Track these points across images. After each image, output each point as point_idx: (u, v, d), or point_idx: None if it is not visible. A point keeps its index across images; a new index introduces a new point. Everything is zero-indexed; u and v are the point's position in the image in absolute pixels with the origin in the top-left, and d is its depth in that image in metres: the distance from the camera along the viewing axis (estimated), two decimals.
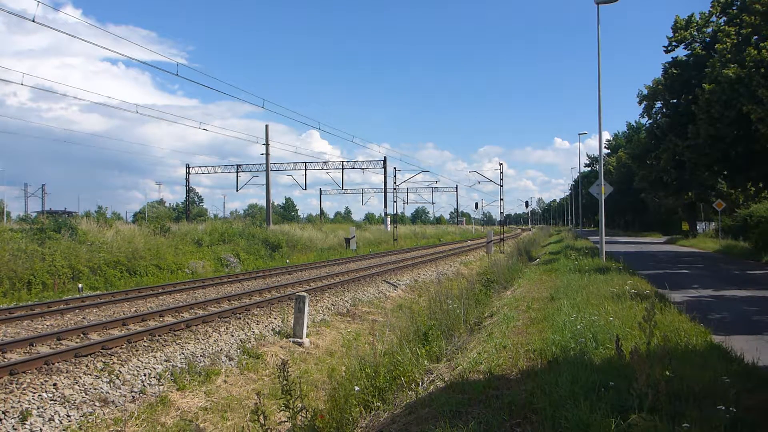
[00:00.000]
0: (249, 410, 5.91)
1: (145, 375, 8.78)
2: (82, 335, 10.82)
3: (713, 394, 4.63)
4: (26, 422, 6.83)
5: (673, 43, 40.27)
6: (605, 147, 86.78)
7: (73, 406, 7.43)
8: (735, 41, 29.79)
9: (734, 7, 33.10)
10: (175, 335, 10.98)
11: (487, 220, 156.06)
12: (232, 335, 11.44)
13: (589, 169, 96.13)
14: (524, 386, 5.63)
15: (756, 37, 28.47)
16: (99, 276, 19.68)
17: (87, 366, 8.73)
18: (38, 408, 7.16)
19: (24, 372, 8.29)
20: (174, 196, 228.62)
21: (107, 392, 8.01)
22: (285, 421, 6.18)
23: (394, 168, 50.40)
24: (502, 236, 44.83)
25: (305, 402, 5.81)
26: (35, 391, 7.61)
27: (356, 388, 7.34)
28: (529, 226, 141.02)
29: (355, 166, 57.89)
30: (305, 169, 54.78)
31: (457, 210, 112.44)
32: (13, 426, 6.72)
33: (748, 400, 4.57)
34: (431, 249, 43.82)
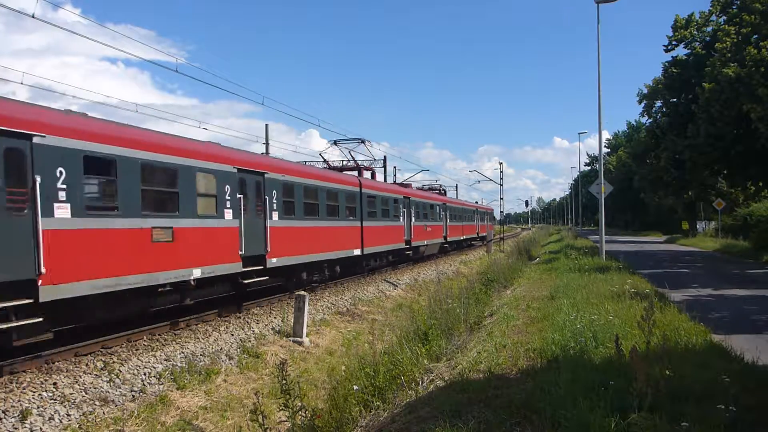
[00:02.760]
0: (249, 409, 5.92)
1: (145, 374, 8.78)
2: None
3: (713, 394, 4.64)
4: (26, 421, 6.82)
5: (673, 42, 40.26)
6: (605, 146, 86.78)
7: (73, 405, 7.43)
8: (735, 40, 29.77)
9: (734, 6, 33.07)
10: (175, 334, 10.98)
11: None
12: (232, 334, 11.44)
13: (589, 168, 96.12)
14: (524, 385, 5.64)
15: (756, 36, 28.47)
16: None
17: (87, 365, 8.73)
18: (38, 407, 7.16)
19: (24, 371, 8.29)
20: None
21: (107, 391, 8.01)
22: (284, 421, 6.18)
23: (394, 167, 50.47)
24: (502, 235, 44.87)
25: (305, 401, 5.82)
26: (35, 390, 7.61)
27: (355, 387, 7.35)
28: (529, 225, 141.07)
29: None
30: None
31: None
32: (13, 425, 6.72)
33: (747, 400, 4.58)
34: None
